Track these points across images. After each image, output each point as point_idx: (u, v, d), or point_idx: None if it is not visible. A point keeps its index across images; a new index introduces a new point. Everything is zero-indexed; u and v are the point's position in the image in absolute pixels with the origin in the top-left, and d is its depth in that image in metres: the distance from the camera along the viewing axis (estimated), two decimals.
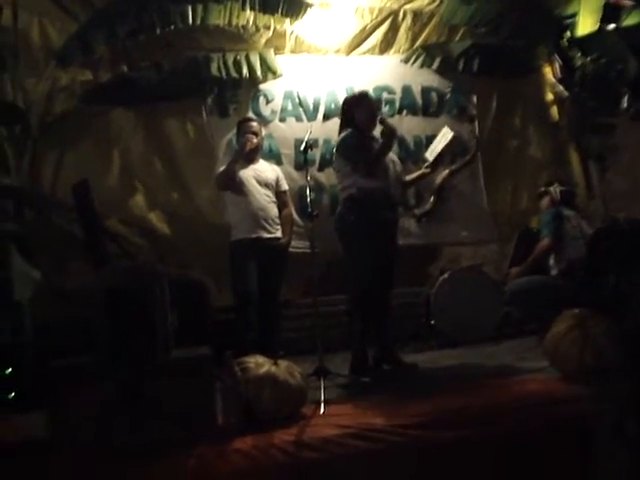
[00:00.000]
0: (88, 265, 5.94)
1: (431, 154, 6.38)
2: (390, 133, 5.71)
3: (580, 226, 6.51)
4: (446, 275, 7.07)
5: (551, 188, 6.72)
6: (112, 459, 3.59)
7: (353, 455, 3.62)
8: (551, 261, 6.37)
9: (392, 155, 5.91)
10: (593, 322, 4.42)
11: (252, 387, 3.97)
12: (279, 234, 6.30)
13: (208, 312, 5.87)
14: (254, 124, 6.47)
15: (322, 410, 4.21)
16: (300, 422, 3.97)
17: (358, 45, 7.76)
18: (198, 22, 7.04)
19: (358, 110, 5.80)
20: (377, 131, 5.82)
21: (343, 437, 3.71)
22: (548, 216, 6.45)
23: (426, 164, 6.59)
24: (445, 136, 6.08)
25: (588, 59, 7.99)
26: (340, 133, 5.86)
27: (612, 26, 7.73)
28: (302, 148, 5.50)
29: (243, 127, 6.42)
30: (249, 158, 6.31)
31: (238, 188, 6.18)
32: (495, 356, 6.01)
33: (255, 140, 6.31)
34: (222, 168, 6.30)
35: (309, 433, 3.79)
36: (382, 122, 5.73)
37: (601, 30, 7.78)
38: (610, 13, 7.79)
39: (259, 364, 4.12)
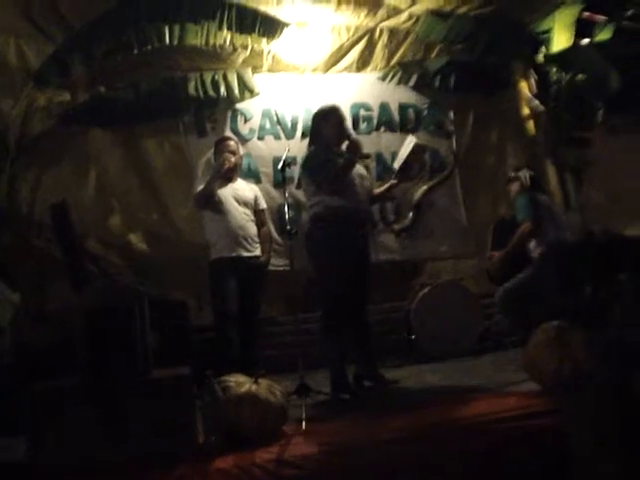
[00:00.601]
0: (67, 286, 5.93)
1: (397, 163, 6.36)
2: (354, 149, 5.67)
3: (553, 209, 6.56)
4: (426, 290, 7.09)
5: (520, 173, 6.70)
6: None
7: (334, 472, 3.63)
8: (532, 245, 6.35)
9: (361, 170, 5.88)
10: (571, 335, 4.45)
11: (233, 406, 3.97)
12: (258, 252, 6.32)
13: (188, 332, 5.87)
14: (232, 143, 6.50)
15: (303, 428, 4.22)
16: (281, 440, 3.98)
17: (335, 63, 7.77)
18: (175, 42, 7.02)
19: (324, 125, 5.79)
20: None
21: (324, 455, 3.73)
22: (523, 200, 6.40)
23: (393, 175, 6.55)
24: (409, 145, 6.03)
25: (563, 74, 8.04)
26: (308, 149, 5.87)
27: (586, 41, 7.79)
28: (280, 166, 5.53)
29: (221, 146, 6.44)
30: (228, 177, 6.33)
31: (217, 207, 6.19)
32: (475, 370, 6.03)
33: (233, 159, 6.33)
34: (200, 187, 6.30)
35: (290, 451, 3.80)
36: (348, 138, 5.73)
37: (576, 45, 7.85)
38: (584, 29, 7.86)
39: (240, 383, 4.13)
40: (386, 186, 6.19)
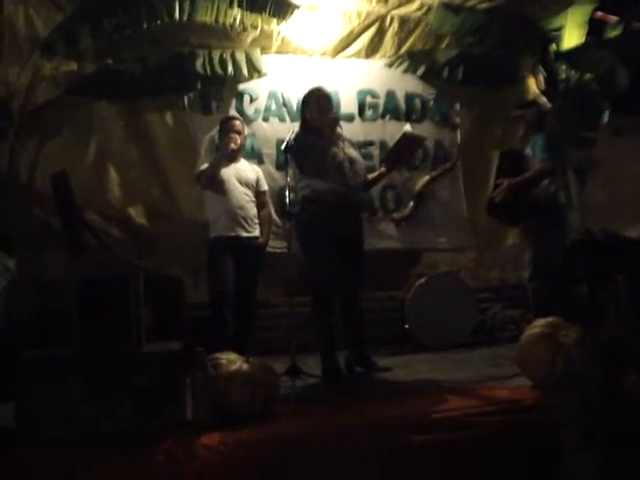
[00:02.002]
0: (65, 256, 5.92)
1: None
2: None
3: None
4: (423, 280, 7.10)
5: (526, 111, 6.60)
6: (80, 451, 3.59)
7: (321, 454, 3.63)
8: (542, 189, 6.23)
9: (353, 154, 5.84)
10: (565, 331, 4.45)
11: (223, 383, 3.98)
12: (257, 233, 6.33)
13: (183, 308, 5.87)
14: (237, 122, 6.49)
15: (292, 409, 4.22)
16: (269, 420, 3.99)
17: (344, 48, 7.73)
18: (185, 18, 6.98)
19: (307, 108, 5.82)
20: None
21: (312, 436, 3.73)
22: (541, 141, 6.25)
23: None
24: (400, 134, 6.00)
25: (572, 72, 8.02)
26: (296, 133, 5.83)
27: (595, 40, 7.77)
28: (283, 147, 5.51)
29: (227, 125, 6.42)
30: (231, 157, 6.34)
31: (219, 186, 6.20)
32: (468, 362, 6.03)
33: (239, 140, 6.34)
34: (204, 166, 6.30)
35: (277, 431, 3.81)
36: (334, 120, 5.76)
37: (587, 44, 7.82)
38: (596, 28, 7.84)
39: (231, 361, 4.13)
40: (376, 174, 6.19)
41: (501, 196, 6.17)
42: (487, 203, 6.48)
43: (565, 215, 6.48)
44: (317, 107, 5.71)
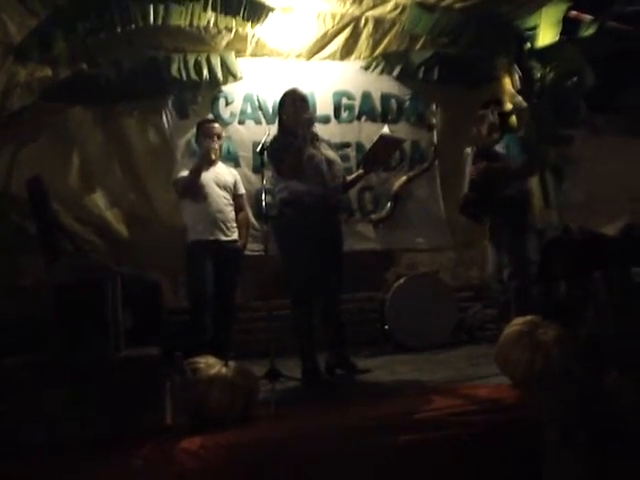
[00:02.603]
0: (41, 262, 5.89)
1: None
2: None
3: None
4: (402, 281, 7.09)
5: (487, 111, 6.58)
6: (60, 457, 3.57)
7: (302, 457, 3.63)
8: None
9: (331, 155, 5.82)
10: (544, 329, 4.45)
11: (202, 387, 3.97)
12: (235, 237, 6.32)
13: (161, 312, 5.85)
14: (217, 126, 6.49)
15: (272, 412, 4.21)
16: (249, 423, 3.98)
17: (319, 50, 7.73)
18: (159, 22, 6.97)
19: (283, 109, 5.81)
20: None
21: (292, 439, 3.73)
22: (515, 140, 6.41)
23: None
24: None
25: (547, 70, 8.05)
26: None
27: (566, 38, 7.81)
28: (259, 149, 5.49)
29: (206, 129, 6.40)
30: (208, 160, 6.31)
31: (197, 191, 6.17)
32: (448, 362, 6.04)
33: (217, 146, 6.34)
34: (182, 173, 6.29)
35: (257, 434, 3.80)
36: (308, 121, 5.67)
37: (559, 42, 7.86)
38: (570, 27, 7.87)
39: (210, 365, 4.12)
40: (353, 176, 6.18)
41: (478, 175, 6.24)
42: (462, 200, 6.48)
43: (533, 215, 6.54)
44: (293, 108, 5.69)
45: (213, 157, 6.32)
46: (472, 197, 6.29)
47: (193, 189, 6.19)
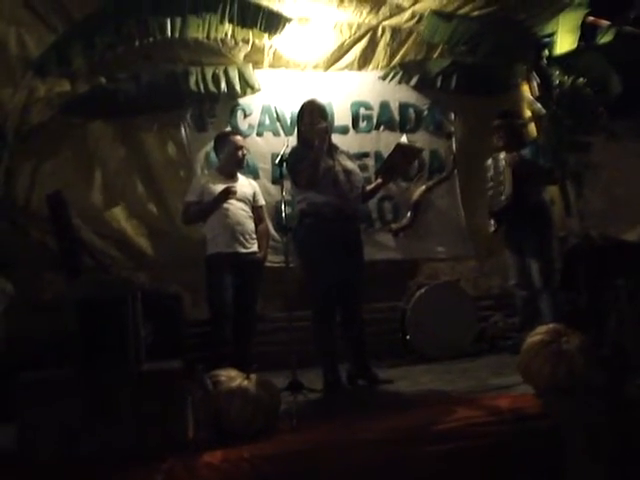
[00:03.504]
0: (62, 277, 5.91)
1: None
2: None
3: None
4: (423, 290, 7.05)
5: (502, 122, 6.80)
6: (80, 472, 3.57)
7: (324, 470, 3.61)
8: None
9: (349, 165, 5.79)
10: (567, 338, 4.41)
11: (223, 400, 3.95)
12: (255, 249, 6.29)
13: (182, 325, 5.86)
14: (239, 138, 6.50)
15: (294, 425, 4.20)
16: (271, 436, 3.95)
17: (336, 60, 7.76)
18: (177, 35, 7.02)
19: (302, 120, 5.80)
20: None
21: (314, 452, 3.71)
22: (535, 150, 6.68)
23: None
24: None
25: (566, 77, 8.02)
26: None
27: (587, 45, 7.79)
28: (277, 161, 5.49)
29: (231, 140, 6.38)
30: (231, 173, 6.32)
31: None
32: (470, 372, 6.00)
33: (245, 156, 6.43)
34: (190, 197, 6.29)
35: (280, 448, 3.77)
36: (323, 131, 5.61)
37: (579, 49, 7.83)
38: (588, 33, 7.85)
39: (231, 378, 4.10)
40: (372, 185, 6.14)
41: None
42: (502, 202, 6.61)
43: (552, 222, 6.57)
44: (310, 119, 5.67)
45: (239, 169, 6.41)
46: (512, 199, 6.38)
47: (203, 220, 6.22)
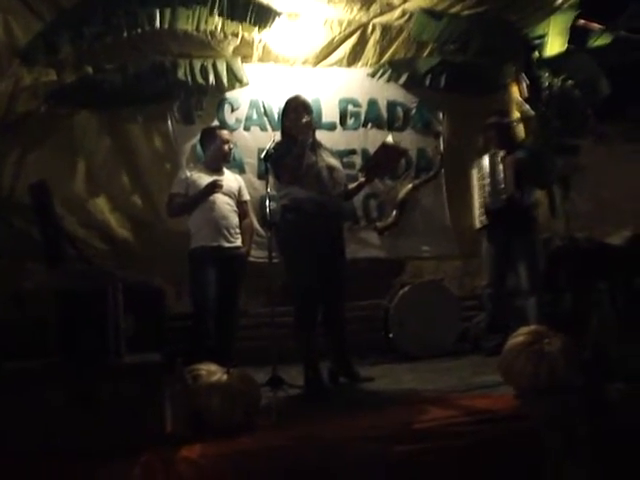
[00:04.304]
0: (44, 267, 5.87)
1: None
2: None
3: None
4: (406, 289, 7.05)
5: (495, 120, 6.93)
6: (58, 464, 3.54)
7: (303, 466, 3.59)
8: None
9: (333, 162, 5.78)
10: (549, 340, 4.41)
11: (203, 395, 3.93)
12: (239, 243, 6.27)
13: (163, 318, 5.82)
14: (226, 132, 6.48)
15: (273, 420, 4.18)
16: (250, 432, 3.94)
17: (326, 57, 7.74)
18: (166, 26, 6.98)
19: (286, 116, 5.77)
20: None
21: (293, 448, 3.69)
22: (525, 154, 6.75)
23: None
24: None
25: (555, 79, 8.03)
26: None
27: (578, 48, 7.81)
28: (263, 156, 5.46)
29: (217, 134, 6.36)
30: (216, 167, 6.30)
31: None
32: (451, 371, 5.99)
33: (228, 152, 6.39)
34: (177, 189, 6.25)
35: (259, 443, 3.76)
36: (306, 126, 5.63)
37: (569, 51, 7.85)
38: (578, 35, 7.86)
39: (211, 372, 4.09)
40: (355, 184, 6.12)
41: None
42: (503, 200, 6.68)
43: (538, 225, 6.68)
44: (294, 115, 5.65)
45: (224, 163, 6.39)
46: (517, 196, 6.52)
47: (188, 213, 6.21)
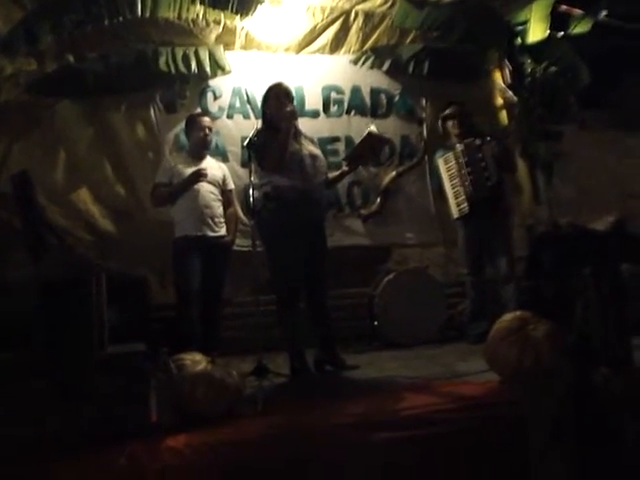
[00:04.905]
0: (27, 257, 5.85)
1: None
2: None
3: None
4: (391, 276, 7.05)
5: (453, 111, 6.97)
6: (43, 454, 3.54)
7: (287, 455, 3.60)
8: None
9: (314, 150, 5.77)
10: (533, 326, 4.43)
11: (187, 384, 3.93)
12: (223, 232, 6.27)
13: (147, 308, 5.83)
14: (206, 119, 6.47)
15: (258, 409, 4.18)
16: (235, 421, 3.94)
17: (308, 44, 7.70)
18: (147, 14, 6.92)
19: (267, 104, 5.74)
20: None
21: (278, 437, 3.70)
22: None
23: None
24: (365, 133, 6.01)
25: (537, 66, 8.04)
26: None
27: (561, 34, 7.80)
28: (245, 144, 5.44)
29: (198, 121, 6.37)
30: (199, 155, 6.29)
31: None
32: (437, 358, 6.01)
33: (208, 139, 6.38)
34: (161, 179, 6.27)
35: (243, 432, 3.77)
36: (291, 114, 5.62)
37: (551, 38, 7.84)
38: (560, 21, 7.86)
39: (195, 362, 4.09)
40: (337, 173, 6.12)
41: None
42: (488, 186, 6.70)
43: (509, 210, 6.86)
44: (276, 102, 5.63)
45: (207, 148, 6.36)
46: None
47: (172, 202, 6.18)
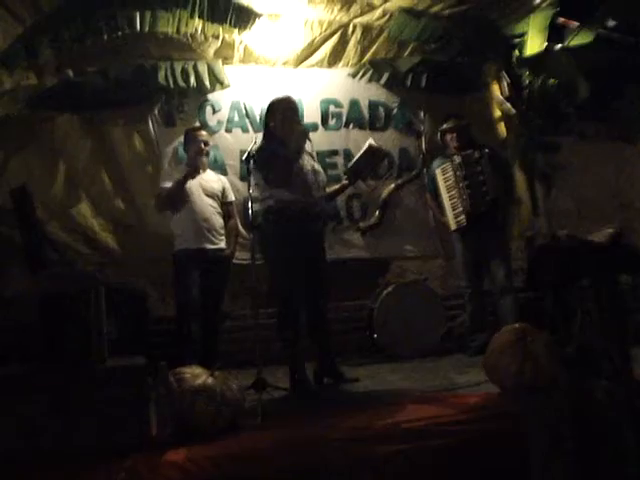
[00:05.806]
0: (26, 271, 5.85)
1: (350, 164, 6.36)
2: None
3: None
4: (390, 289, 7.05)
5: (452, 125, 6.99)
6: (41, 469, 3.53)
7: (287, 469, 3.59)
8: None
9: (316, 165, 5.77)
10: (533, 338, 4.42)
11: (187, 398, 3.92)
12: (223, 245, 6.27)
13: (147, 321, 5.83)
14: (204, 132, 6.50)
15: (258, 423, 4.18)
16: (235, 434, 3.94)
17: (306, 57, 7.71)
18: (146, 29, 6.93)
19: (273, 117, 5.70)
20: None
21: (279, 450, 3.69)
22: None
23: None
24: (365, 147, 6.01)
25: (535, 78, 8.05)
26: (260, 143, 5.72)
27: (559, 46, 7.81)
28: (244, 157, 5.44)
29: (195, 135, 6.38)
30: (197, 168, 6.30)
31: (179, 203, 6.16)
32: (436, 371, 6.01)
33: (205, 153, 6.37)
34: (165, 185, 6.25)
35: (243, 446, 3.76)
36: (298, 130, 5.66)
37: (549, 50, 7.85)
38: (558, 34, 7.87)
39: (195, 375, 4.08)
40: (337, 186, 6.15)
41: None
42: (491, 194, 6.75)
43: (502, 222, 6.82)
44: (283, 116, 5.61)
45: (204, 162, 6.35)
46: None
47: (175, 200, 6.16)
